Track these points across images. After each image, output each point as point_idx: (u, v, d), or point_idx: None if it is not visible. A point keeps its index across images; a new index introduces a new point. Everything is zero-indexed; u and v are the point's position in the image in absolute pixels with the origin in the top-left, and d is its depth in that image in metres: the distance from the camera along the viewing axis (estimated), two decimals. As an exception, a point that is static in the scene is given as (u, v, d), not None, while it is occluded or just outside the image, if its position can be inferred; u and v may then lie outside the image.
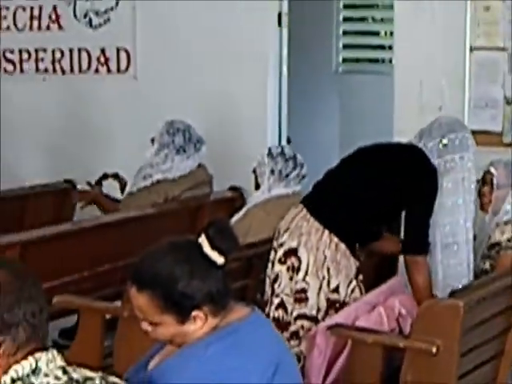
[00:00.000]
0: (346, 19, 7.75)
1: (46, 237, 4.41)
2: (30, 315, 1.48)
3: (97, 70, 6.49)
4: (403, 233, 3.75)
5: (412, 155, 3.75)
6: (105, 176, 5.67)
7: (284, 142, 6.00)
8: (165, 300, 1.91)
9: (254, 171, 4.73)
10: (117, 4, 6.20)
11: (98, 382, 1.62)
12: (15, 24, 6.69)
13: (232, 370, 1.90)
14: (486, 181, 4.12)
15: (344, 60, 7.87)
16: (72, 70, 6.60)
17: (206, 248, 1.89)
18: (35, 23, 6.63)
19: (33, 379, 1.47)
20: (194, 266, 1.90)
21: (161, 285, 1.91)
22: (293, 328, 3.64)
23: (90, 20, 6.33)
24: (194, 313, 1.93)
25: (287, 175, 4.64)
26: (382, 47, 7.96)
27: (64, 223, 5.15)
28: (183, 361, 1.95)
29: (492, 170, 4.11)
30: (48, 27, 6.62)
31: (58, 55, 6.59)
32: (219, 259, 1.90)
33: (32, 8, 6.59)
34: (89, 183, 5.50)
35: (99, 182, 5.70)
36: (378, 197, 3.69)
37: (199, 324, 1.96)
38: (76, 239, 4.48)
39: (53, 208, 5.67)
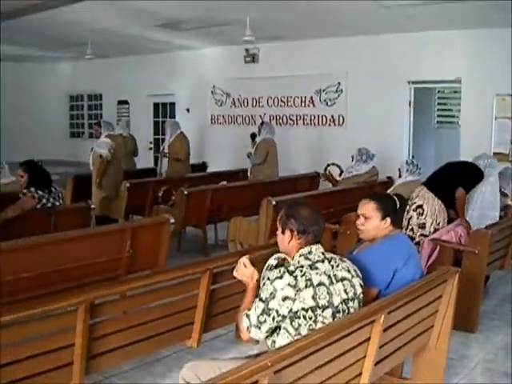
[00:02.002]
0: (439, 98, 13.61)
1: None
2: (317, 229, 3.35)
3: (329, 125, 12.99)
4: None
5: (471, 165, 6.97)
6: (329, 164, 10.04)
7: (411, 157, 11.22)
8: (382, 209, 4.01)
9: (399, 169, 7.95)
10: (339, 96, 12.74)
11: (337, 259, 3.39)
12: (289, 102, 13.51)
13: (392, 251, 3.94)
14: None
15: (437, 121, 13.71)
16: (320, 124, 13.15)
17: None
18: (304, 103, 13.35)
19: (308, 255, 3.32)
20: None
21: (386, 205, 4.04)
22: (417, 239, 6.54)
23: (327, 103, 13.00)
24: (387, 218, 4.01)
25: (413, 171, 7.72)
26: (453, 116, 13.46)
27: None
28: (373, 245, 3.99)
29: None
30: (308, 105, 13.29)
31: (314, 119, 13.21)
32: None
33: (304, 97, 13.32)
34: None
35: (326, 168, 9.94)
36: (455, 181, 6.74)
37: (386, 225, 4.02)
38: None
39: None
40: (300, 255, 3.34)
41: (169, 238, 6.08)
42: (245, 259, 3.57)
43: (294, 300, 3.16)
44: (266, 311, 3.20)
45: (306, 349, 2.86)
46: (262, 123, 11.19)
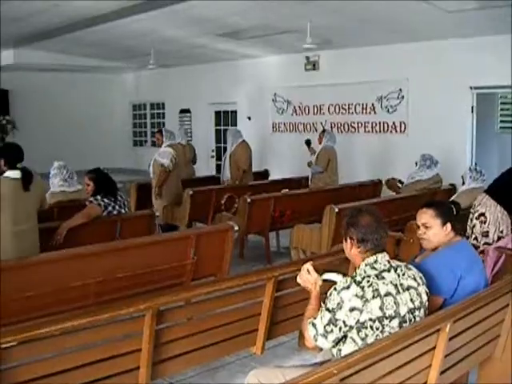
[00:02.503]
0: (502, 103, 13.36)
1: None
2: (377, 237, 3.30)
3: (391, 132, 12.95)
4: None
5: None
6: (391, 178, 9.73)
7: (474, 163, 10.81)
8: (441, 216, 3.98)
9: (462, 176, 7.87)
10: (400, 102, 12.68)
11: (403, 267, 3.38)
12: (350, 109, 13.47)
13: (456, 258, 3.86)
14: None
15: (500, 127, 13.54)
16: (381, 131, 13.12)
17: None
18: (365, 110, 13.33)
19: (374, 264, 3.30)
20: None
21: (443, 211, 4.02)
22: (481, 248, 6.21)
23: (388, 109, 12.95)
24: (447, 223, 3.98)
25: (476, 178, 7.60)
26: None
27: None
28: (437, 253, 3.93)
29: None
30: (370, 112, 13.25)
31: (375, 126, 13.19)
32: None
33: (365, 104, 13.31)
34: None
35: (388, 180, 9.71)
36: None
37: (447, 231, 3.97)
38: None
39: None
40: (366, 264, 3.35)
41: (232, 245, 6.13)
42: (308, 265, 3.58)
43: (361, 311, 3.16)
44: (332, 321, 3.21)
45: (371, 357, 2.86)
46: (323, 131, 11.20)
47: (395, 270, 3.33)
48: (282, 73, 14.93)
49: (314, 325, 3.30)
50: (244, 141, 10.97)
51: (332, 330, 3.21)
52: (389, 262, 3.36)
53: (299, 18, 10.06)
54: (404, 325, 3.25)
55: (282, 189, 9.68)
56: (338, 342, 3.27)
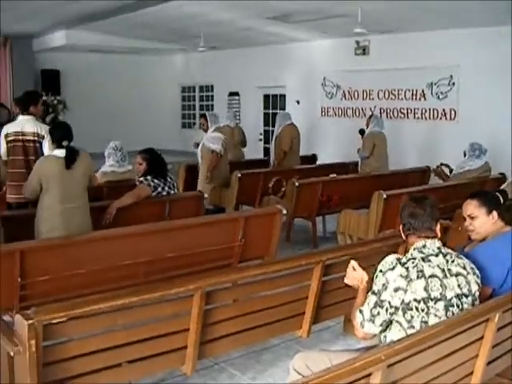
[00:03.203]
0: None
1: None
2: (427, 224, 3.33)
3: (440, 118, 12.80)
4: None
5: None
6: (441, 164, 9.50)
7: None
8: (485, 204, 3.96)
9: None
10: (451, 89, 12.50)
11: (454, 255, 3.35)
12: (400, 95, 13.39)
13: (506, 248, 3.78)
14: None
15: None
16: (431, 117, 12.95)
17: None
18: (415, 97, 13.18)
19: (422, 249, 3.31)
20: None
21: (488, 199, 3.98)
22: None
23: (438, 96, 12.79)
24: (493, 211, 3.93)
25: None
26: None
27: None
28: (486, 242, 3.92)
29: None
30: (419, 99, 13.09)
31: (425, 112, 13.03)
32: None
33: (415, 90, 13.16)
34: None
35: (438, 166, 9.45)
36: None
37: (494, 219, 3.93)
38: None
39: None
40: (414, 248, 3.37)
41: (280, 228, 6.16)
42: (353, 262, 3.58)
43: (405, 291, 3.17)
44: (378, 303, 3.22)
45: (419, 344, 2.88)
46: (371, 116, 11.14)
47: (444, 256, 3.32)
48: (332, 57, 14.82)
49: (361, 311, 3.32)
50: (291, 124, 10.99)
51: (378, 313, 3.22)
52: (439, 248, 3.36)
53: (350, 2, 10.00)
54: (450, 309, 3.23)
55: (329, 173, 9.67)
56: (385, 327, 3.28)
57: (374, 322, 3.25)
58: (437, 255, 3.31)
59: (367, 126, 10.71)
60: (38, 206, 5.62)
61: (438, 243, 3.38)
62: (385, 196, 7.55)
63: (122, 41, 15.75)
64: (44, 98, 13.59)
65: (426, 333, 2.96)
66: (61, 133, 5.70)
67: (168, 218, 6.66)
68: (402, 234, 3.51)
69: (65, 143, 5.61)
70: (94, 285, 4.87)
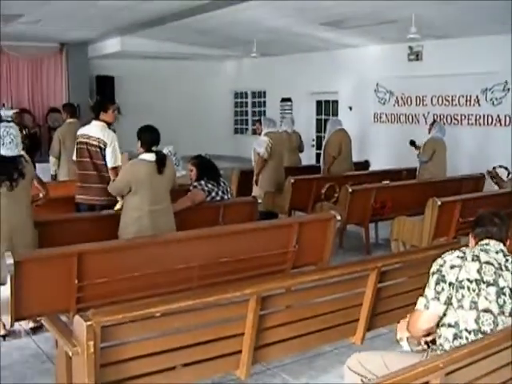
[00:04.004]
0: None
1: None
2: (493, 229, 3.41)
3: (495, 125, 12.53)
4: None
5: None
6: (497, 166, 9.59)
7: None
8: None
9: None
10: (505, 95, 12.28)
11: None
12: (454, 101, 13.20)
13: None
14: None
15: None
16: (485, 124, 12.69)
17: None
18: (469, 102, 12.99)
19: (484, 246, 3.34)
20: None
21: None
22: None
23: (493, 102, 12.56)
24: None
25: None
26: None
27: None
28: None
29: None
30: (474, 104, 12.87)
31: (479, 118, 12.80)
32: None
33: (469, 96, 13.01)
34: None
35: (494, 168, 9.51)
36: None
37: None
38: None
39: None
40: (476, 244, 3.46)
41: (334, 234, 6.16)
42: None
43: (460, 267, 3.22)
44: (440, 279, 3.25)
45: (477, 353, 2.86)
46: (433, 122, 11.11)
47: (504, 255, 3.35)
48: (385, 63, 14.72)
49: (423, 296, 3.33)
50: (341, 129, 10.98)
51: (443, 289, 3.24)
52: (502, 250, 3.38)
53: (404, 7, 9.94)
54: (502, 296, 3.22)
55: (382, 180, 9.63)
56: (446, 307, 3.26)
57: (439, 299, 3.25)
58: (497, 253, 3.34)
59: (429, 131, 10.66)
60: (125, 207, 5.81)
61: (502, 246, 3.40)
62: (439, 203, 7.49)
63: (174, 47, 15.91)
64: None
65: (485, 341, 2.93)
66: (151, 137, 5.85)
67: (222, 223, 6.72)
68: (472, 241, 3.53)
69: (154, 148, 5.79)
70: (148, 288, 4.93)
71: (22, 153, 5.56)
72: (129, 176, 5.73)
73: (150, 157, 5.72)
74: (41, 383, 4.70)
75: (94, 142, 6.74)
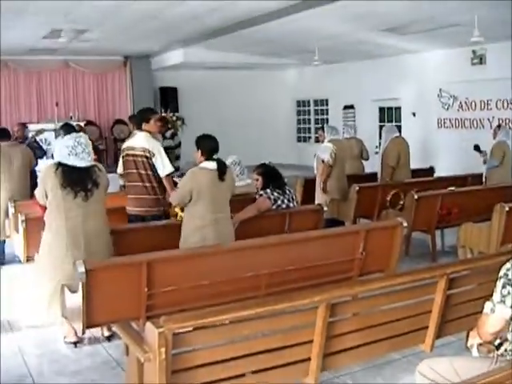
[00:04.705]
0: None
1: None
2: None
3: None
4: None
5: None
6: None
7: None
8: None
9: None
10: None
11: None
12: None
13: None
14: None
15: None
16: None
17: None
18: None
19: None
20: None
21: None
22: None
23: None
24: None
25: None
26: None
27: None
28: None
29: None
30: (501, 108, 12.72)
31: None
32: None
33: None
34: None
35: None
36: None
37: None
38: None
39: None
40: None
41: (401, 241, 6.13)
42: None
43: None
44: (507, 282, 3.21)
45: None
46: (499, 126, 11.03)
47: None
48: (447, 67, 14.58)
49: (490, 300, 3.30)
50: (397, 136, 10.94)
51: (509, 292, 3.20)
52: None
53: (466, 10, 9.84)
54: None
55: (447, 186, 9.50)
56: None
57: (504, 302, 3.21)
58: None
59: (494, 136, 10.59)
60: (187, 216, 5.85)
61: None
62: (507, 208, 7.36)
63: (236, 57, 16.07)
64: (163, 114, 14.18)
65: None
66: (211, 145, 5.93)
67: (288, 231, 6.75)
68: None
69: (215, 156, 5.87)
70: (216, 296, 4.99)
71: (95, 162, 5.68)
72: (190, 184, 5.76)
73: (212, 165, 5.79)
74: (112, 388, 4.79)
75: (140, 153, 6.82)
